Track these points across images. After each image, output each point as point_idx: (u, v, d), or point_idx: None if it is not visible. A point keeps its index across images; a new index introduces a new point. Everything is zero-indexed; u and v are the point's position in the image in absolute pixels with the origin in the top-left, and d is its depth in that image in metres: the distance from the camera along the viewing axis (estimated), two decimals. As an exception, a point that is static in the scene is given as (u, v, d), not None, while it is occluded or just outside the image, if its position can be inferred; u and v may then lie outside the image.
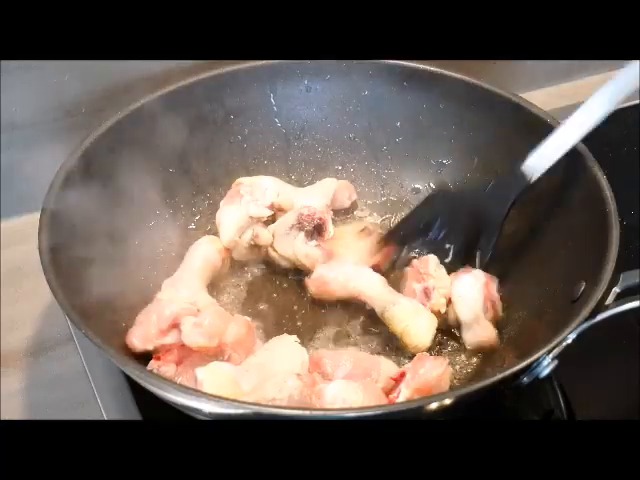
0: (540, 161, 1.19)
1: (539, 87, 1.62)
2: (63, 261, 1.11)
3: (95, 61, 1.26)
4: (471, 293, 1.20)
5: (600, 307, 1.05)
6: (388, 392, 1.12)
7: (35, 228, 1.12)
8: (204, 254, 1.28)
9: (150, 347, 1.16)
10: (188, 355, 1.14)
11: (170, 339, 1.17)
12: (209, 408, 1.00)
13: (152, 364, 1.14)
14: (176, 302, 1.19)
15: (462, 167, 1.37)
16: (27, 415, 1.18)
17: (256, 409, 0.99)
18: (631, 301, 1.05)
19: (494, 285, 1.22)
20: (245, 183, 1.33)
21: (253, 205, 1.30)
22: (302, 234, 1.28)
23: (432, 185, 1.40)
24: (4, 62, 1.29)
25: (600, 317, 1.04)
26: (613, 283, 1.06)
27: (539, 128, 1.26)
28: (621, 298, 1.06)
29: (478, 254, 1.25)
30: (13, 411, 1.18)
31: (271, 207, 1.32)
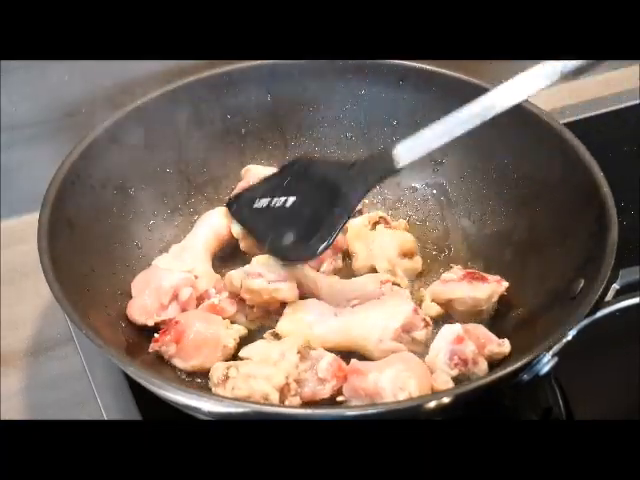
0: (412, 150, 1.15)
1: (538, 87, 1.62)
2: (63, 261, 1.11)
3: (95, 61, 1.26)
4: (437, 343, 1.14)
5: (600, 304, 1.05)
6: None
7: (35, 228, 1.12)
8: (213, 225, 1.29)
9: (151, 323, 1.18)
10: (185, 331, 1.14)
11: (171, 312, 1.18)
12: (209, 407, 1.01)
13: (153, 347, 1.14)
14: (174, 272, 1.21)
15: (459, 165, 1.37)
16: (27, 415, 1.17)
17: (256, 408, 0.99)
18: (631, 297, 1.05)
19: (472, 344, 1.12)
20: (253, 171, 1.32)
21: None
22: None
23: (429, 183, 1.40)
24: (4, 62, 1.29)
25: (600, 314, 1.04)
26: (612, 280, 1.06)
27: (537, 127, 1.27)
28: (621, 295, 1.06)
29: (321, 229, 1.17)
30: (13, 411, 1.17)
31: None
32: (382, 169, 1.17)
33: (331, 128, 1.41)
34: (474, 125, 1.11)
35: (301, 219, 1.19)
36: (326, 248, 1.17)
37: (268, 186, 1.24)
